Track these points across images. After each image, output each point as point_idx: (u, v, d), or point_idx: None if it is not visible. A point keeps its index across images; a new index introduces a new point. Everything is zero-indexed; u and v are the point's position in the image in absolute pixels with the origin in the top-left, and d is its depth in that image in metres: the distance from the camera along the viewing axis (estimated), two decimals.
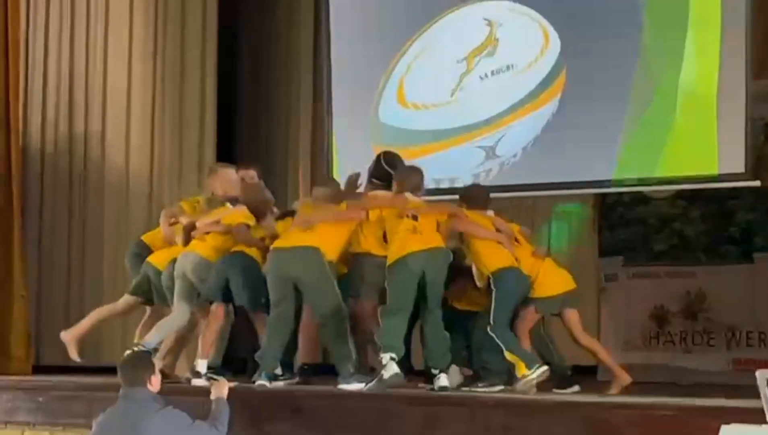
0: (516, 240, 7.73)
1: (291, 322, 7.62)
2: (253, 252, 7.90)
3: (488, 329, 7.39)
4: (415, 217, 7.44)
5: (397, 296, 7.33)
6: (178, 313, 8.01)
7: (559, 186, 9.54)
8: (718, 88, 8.71)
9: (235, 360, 8.45)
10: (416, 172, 7.82)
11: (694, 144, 8.84)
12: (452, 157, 9.78)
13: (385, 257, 7.60)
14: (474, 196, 7.89)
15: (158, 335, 8.01)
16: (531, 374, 7.25)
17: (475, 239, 7.59)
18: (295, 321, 7.72)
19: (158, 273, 8.37)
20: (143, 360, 6.33)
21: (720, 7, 8.77)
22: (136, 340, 8.42)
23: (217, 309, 7.90)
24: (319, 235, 7.51)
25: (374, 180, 8.00)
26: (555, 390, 7.63)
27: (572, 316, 7.75)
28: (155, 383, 6.17)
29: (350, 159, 9.87)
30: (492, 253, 7.53)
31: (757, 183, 8.75)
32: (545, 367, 7.33)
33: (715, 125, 8.71)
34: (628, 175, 9.22)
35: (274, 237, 7.90)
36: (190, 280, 7.95)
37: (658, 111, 8.96)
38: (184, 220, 8.36)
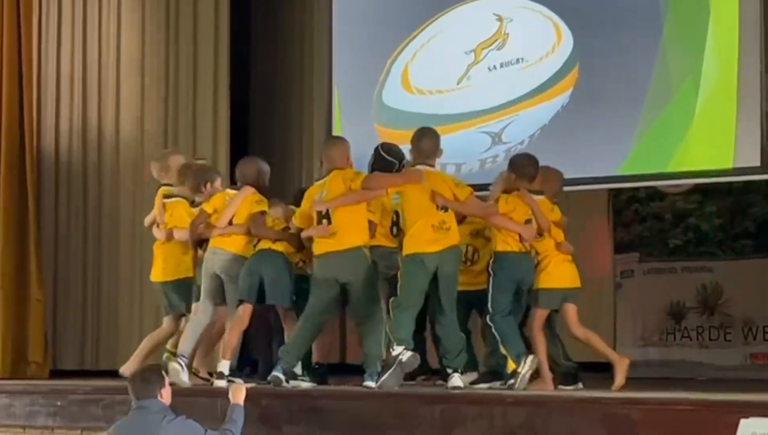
0: (548, 231, 7.64)
1: (321, 326, 7.66)
2: (281, 246, 7.87)
3: (486, 318, 7.42)
4: (445, 209, 7.39)
5: (409, 290, 7.33)
6: (203, 311, 7.97)
7: (572, 182, 9.50)
8: (738, 84, 8.63)
9: (248, 361, 8.44)
10: (430, 135, 7.67)
11: (711, 139, 8.79)
12: (457, 141, 9.66)
13: (393, 249, 7.67)
14: (522, 165, 7.71)
15: (190, 340, 7.95)
16: (520, 370, 7.28)
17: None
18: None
19: (164, 284, 8.37)
20: (153, 373, 6.30)
21: (738, 5, 8.71)
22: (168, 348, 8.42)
23: (245, 311, 7.85)
24: (357, 232, 7.45)
25: (377, 172, 7.91)
26: (560, 387, 7.63)
27: (570, 309, 7.70)
28: (166, 395, 6.16)
29: (353, 137, 9.92)
30: (503, 237, 7.50)
31: None
32: (531, 356, 7.32)
33: (734, 121, 8.63)
34: (640, 169, 9.18)
35: (288, 218, 7.87)
36: (220, 277, 7.92)
37: (677, 108, 8.88)
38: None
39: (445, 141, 9.17)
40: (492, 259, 7.55)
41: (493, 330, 7.42)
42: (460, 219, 7.64)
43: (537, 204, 7.60)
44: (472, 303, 7.89)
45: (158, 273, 8.44)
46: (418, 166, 7.52)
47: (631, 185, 10.09)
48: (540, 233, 7.59)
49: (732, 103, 8.65)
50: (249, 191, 7.99)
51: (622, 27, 9.18)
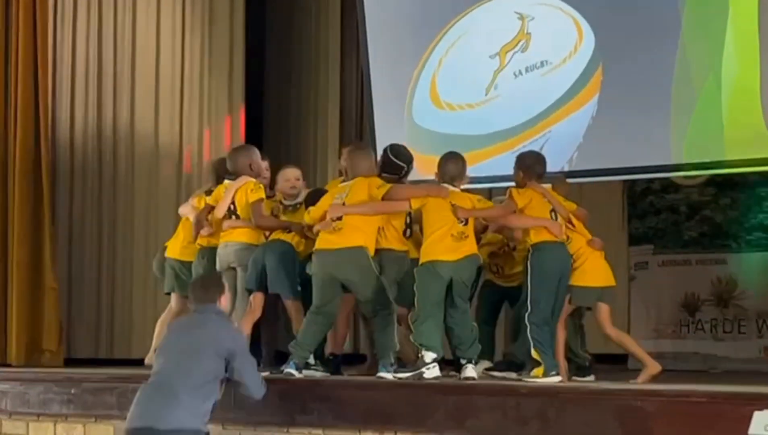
0: (570, 222, 7.60)
1: (333, 318, 7.62)
2: (289, 237, 7.84)
3: (526, 317, 7.33)
4: (465, 222, 7.34)
5: (426, 303, 7.27)
6: (241, 304, 7.90)
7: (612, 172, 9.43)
8: (761, 76, 8.51)
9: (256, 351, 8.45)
10: (456, 159, 7.62)
11: (747, 134, 8.65)
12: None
13: (404, 252, 7.62)
14: (530, 164, 7.66)
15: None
16: (542, 379, 7.22)
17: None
18: None
19: (181, 263, 8.41)
20: (213, 280, 6.67)
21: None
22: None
23: (255, 300, 7.84)
24: (363, 232, 7.39)
25: (385, 174, 7.78)
26: (573, 378, 7.64)
27: (603, 309, 7.68)
28: (224, 302, 6.50)
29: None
30: (536, 228, 7.44)
31: None
32: (558, 378, 7.27)
33: (761, 114, 8.51)
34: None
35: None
36: (235, 269, 7.88)
37: (706, 104, 8.77)
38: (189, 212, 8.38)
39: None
40: (529, 253, 7.44)
41: (528, 333, 7.30)
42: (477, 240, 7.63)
43: (549, 193, 7.59)
44: (504, 295, 7.96)
45: (176, 250, 8.48)
46: (444, 185, 7.49)
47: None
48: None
49: (756, 99, 8.53)
50: (243, 181, 7.94)
51: (640, 22, 9.03)
